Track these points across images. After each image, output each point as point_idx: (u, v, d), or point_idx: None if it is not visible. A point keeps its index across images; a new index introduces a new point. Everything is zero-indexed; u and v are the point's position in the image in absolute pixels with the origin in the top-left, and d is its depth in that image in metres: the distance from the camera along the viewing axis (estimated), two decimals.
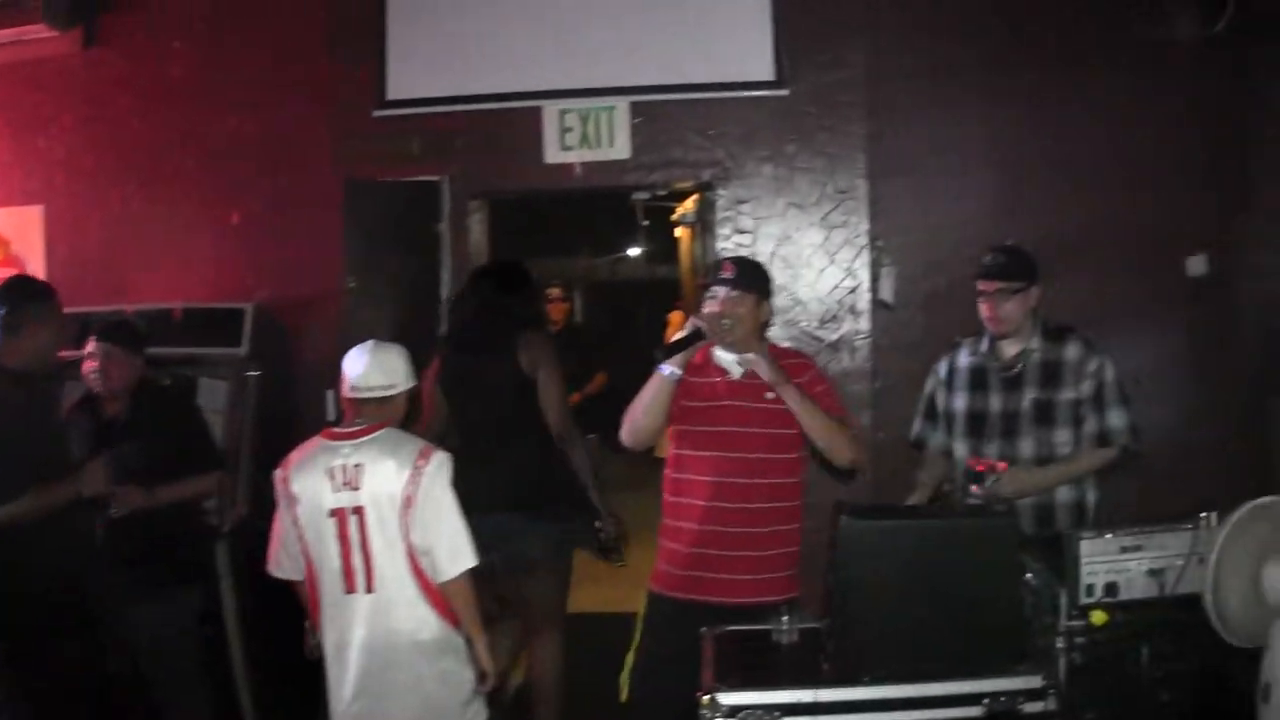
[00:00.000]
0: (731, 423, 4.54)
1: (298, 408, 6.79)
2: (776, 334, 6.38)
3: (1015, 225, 6.23)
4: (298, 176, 6.88)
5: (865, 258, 6.49)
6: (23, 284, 5.19)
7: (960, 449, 4.87)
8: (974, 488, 4.37)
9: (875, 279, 6.48)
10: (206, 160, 7.06)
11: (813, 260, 6.50)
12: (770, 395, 4.49)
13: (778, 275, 6.36)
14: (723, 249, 6.52)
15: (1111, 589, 3.49)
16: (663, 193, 7.09)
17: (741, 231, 6.54)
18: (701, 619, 4.17)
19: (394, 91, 6.68)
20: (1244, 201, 6.47)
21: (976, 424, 4.85)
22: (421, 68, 6.65)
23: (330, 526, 4.20)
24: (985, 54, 6.49)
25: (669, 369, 4.43)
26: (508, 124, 6.63)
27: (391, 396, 4.34)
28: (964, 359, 4.95)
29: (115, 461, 5.08)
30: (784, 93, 6.46)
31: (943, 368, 5.03)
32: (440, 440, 5.46)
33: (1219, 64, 6.41)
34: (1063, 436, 4.70)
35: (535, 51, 6.57)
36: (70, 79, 7.30)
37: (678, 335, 4.52)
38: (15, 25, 7.11)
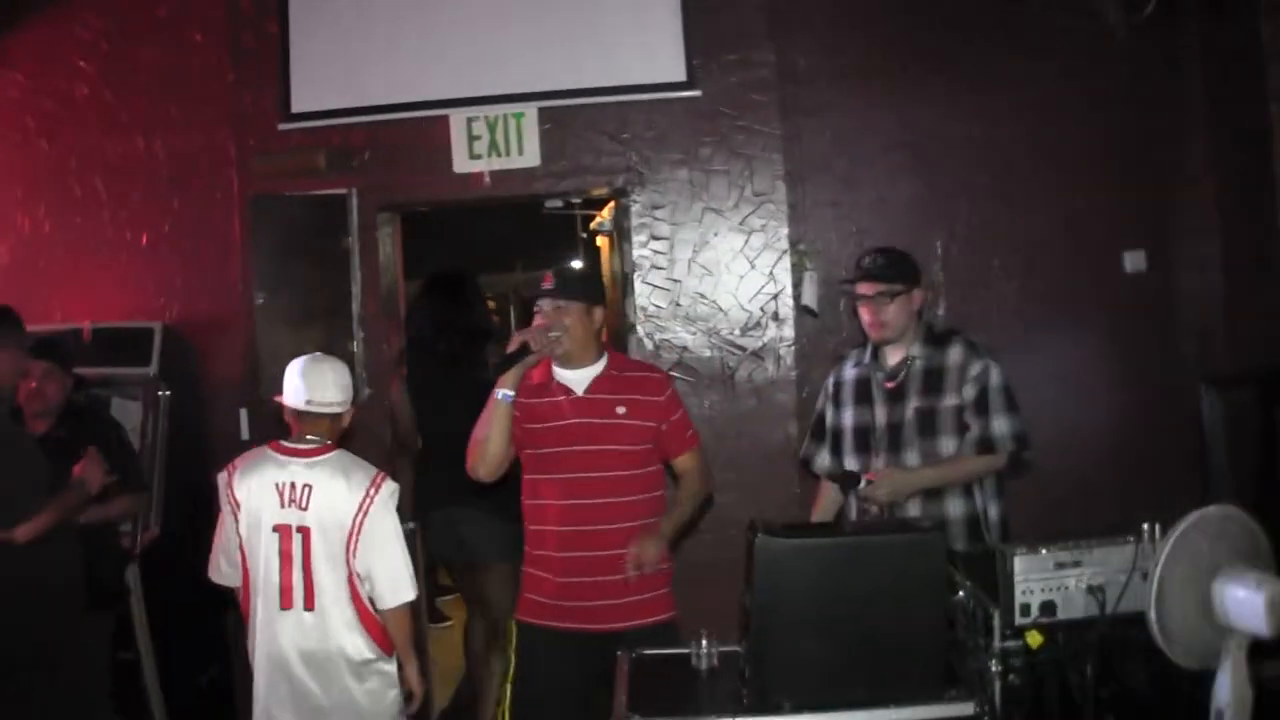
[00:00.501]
0: (580, 441, 4.36)
1: (209, 427, 6.70)
2: (698, 342, 6.26)
3: (939, 225, 6.31)
4: (205, 194, 6.76)
5: (786, 262, 6.31)
6: None
7: (850, 465, 4.63)
8: (848, 494, 4.36)
9: (798, 284, 6.29)
10: (113, 180, 6.93)
11: (732, 266, 6.33)
12: (621, 410, 4.37)
13: (697, 282, 6.32)
14: (639, 257, 6.36)
15: (1048, 608, 3.24)
16: (576, 201, 6.96)
17: (657, 238, 6.37)
18: (575, 648, 4.19)
19: (298, 104, 6.51)
20: (1179, 192, 6.37)
21: (863, 438, 4.63)
22: (325, 79, 6.48)
23: (272, 541, 4.16)
24: (902, 47, 6.36)
25: (501, 392, 4.24)
26: (414, 134, 6.47)
27: (342, 414, 4.30)
28: (849, 371, 4.76)
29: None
30: (696, 93, 6.30)
31: (830, 382, 4.85)
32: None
33: (1149, 52, 6.31)
34: (948, 446, 4.46)
35: (440, 59, 6.40)
36: None
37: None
38: None
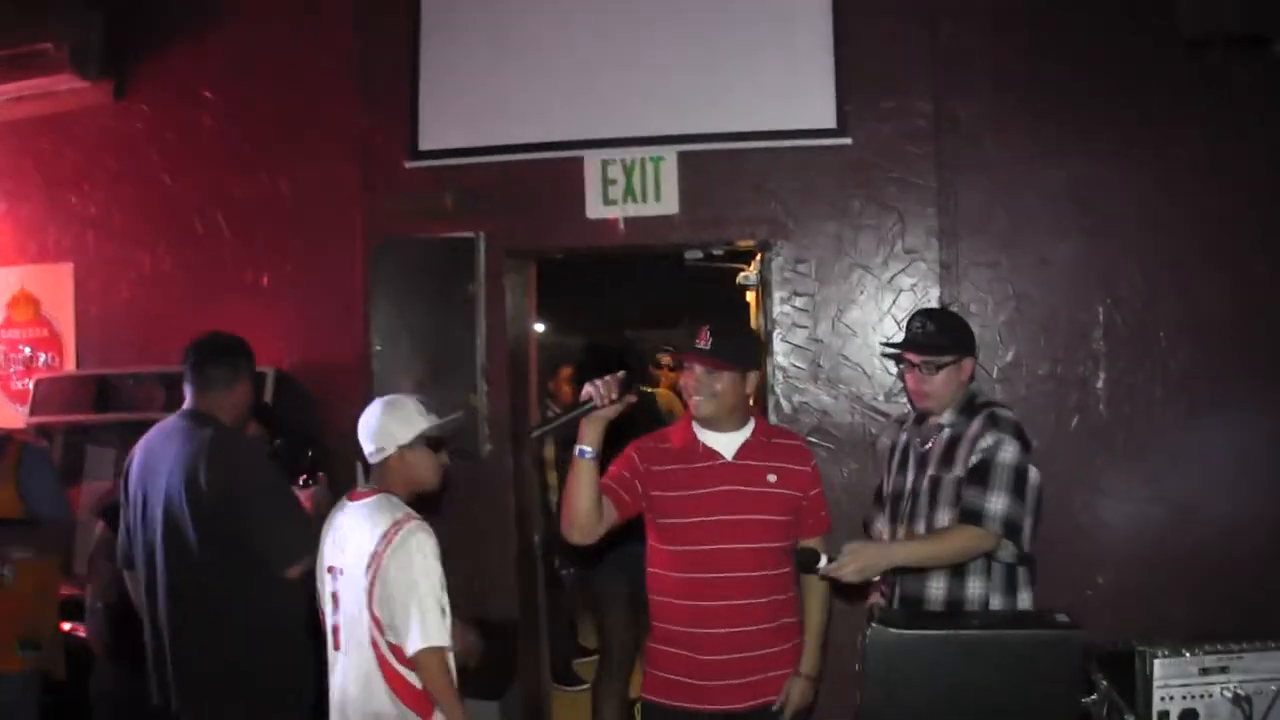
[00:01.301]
0: (727, 510, 4.15)
1: (327, 477, 6.32)
2: (839, 406, 5.90)
3: (1102, 289, 5.85)
4: (329, 234, 6.55)
5: None
6: (232, 340, 4.97)
7: (889, 531, 4.45)
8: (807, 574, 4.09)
9: None
10: (236, 218, 6.77)
11: (880, 326, 5.94)
12: (772, 478, 4.21)
13: (841, 343, 5.96)
14: (780, 314, 6.00)
15: (1189, 717, 2.98)
16: (717, 252, 6.59)
17: (800, 294, 6.00)
18: None
19: (426, 142, 6.28)
20: None
21: (894, 505, 4.45)
22: (456, 117, 6.23)
23: (327, 581, 4.15)
24: (1073, 95, 5.89)
25: (580, 449, 3.97)
26: (547, 176, 6.17)
27: (384, 460, 4.11)
28: (902, 436, 4.58)
29: None
30: (846, 141, 5.92)
31: (883, 445, 4.79)
32: None
33: None
34: (944, 518, 4.16)
35: (577, 97, 6.12)
36: (101, 133, 7.07)
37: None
38: (44, 74, 6.84)
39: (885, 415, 5.83)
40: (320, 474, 5.11)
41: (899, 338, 4.83)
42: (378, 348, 6.15)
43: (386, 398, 4.18)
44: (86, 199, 7.06)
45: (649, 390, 7.15)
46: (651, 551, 4.29)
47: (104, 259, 7.02)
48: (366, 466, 4.22)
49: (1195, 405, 5.75)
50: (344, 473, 6.10)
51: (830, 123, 5.92)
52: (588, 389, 3.91)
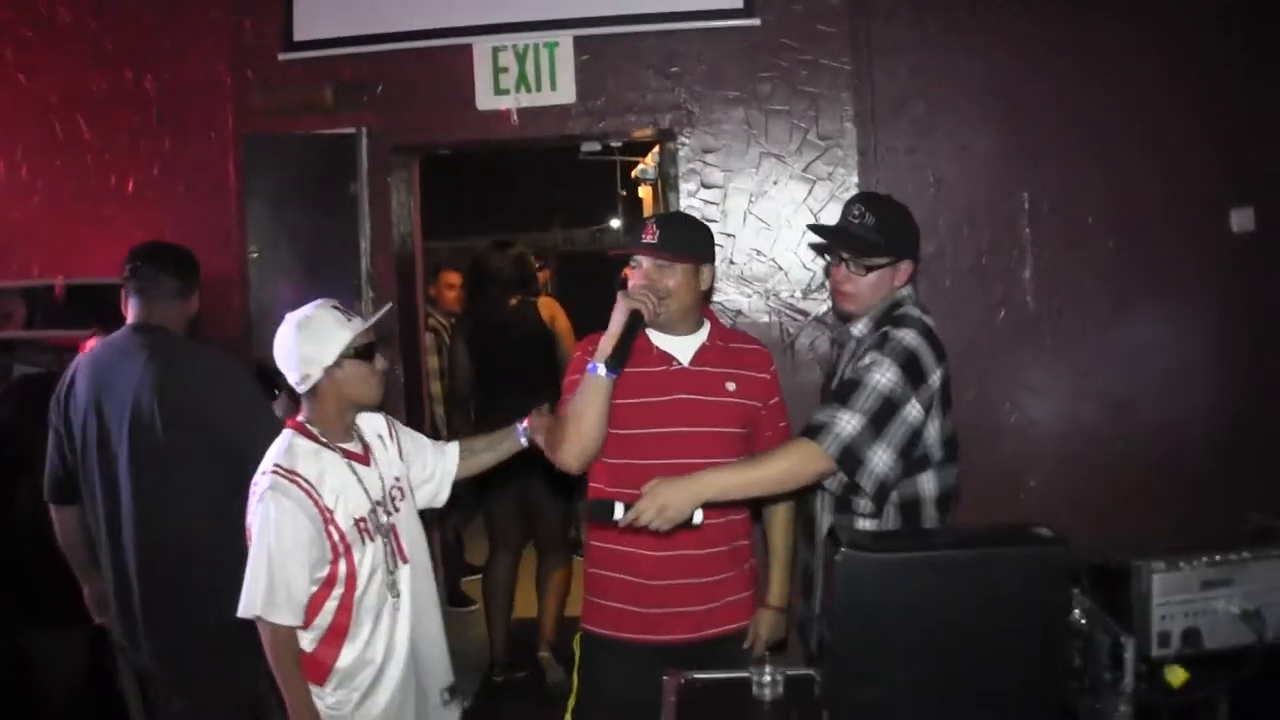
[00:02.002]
0: (685, 422, 3.79)
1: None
2: (754, 305, 5.61)
3: (1028, 178, 5.60)
4: (198, 134, 6.03)
5: None
6: (180, 250, 4.73)
7: None
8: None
9: None
10: (97, 119, 6.20)
11: (794, 219, 5.62)
12: (731, 386, 3.84)
13: (753, 237, 5.63)
14: (687, 208, 5.62)
15: (1192, 637, 2.72)
16: (616, 144, 6.21)
17: (709, 186, 5.65)
18: (650, 660, 3.68)
19: (302, 32, 5.80)
20: None
21: None
22: (333, 4, 5.76)
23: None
24: None
25: (602, 368, 3.60)
26: (433, 66, 5.74)
27: (313, 387, 3.62)
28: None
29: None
30: (755, 22, 5.57)
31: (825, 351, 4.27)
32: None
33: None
34: None
35: None
36: None
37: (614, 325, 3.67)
38: None
39: (803, 314, 5.54)
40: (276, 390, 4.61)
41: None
42: (254, 254, 5.73)
43: (295, 315, 3.62)
44: None
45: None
46: (601, 469, 3.88)
47: None
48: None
49: (1127, 296, 5.55)
50: None
51: (737, 2, 5.56)
52: (631, 303, 3.62)
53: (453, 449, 4.01)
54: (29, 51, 6.29)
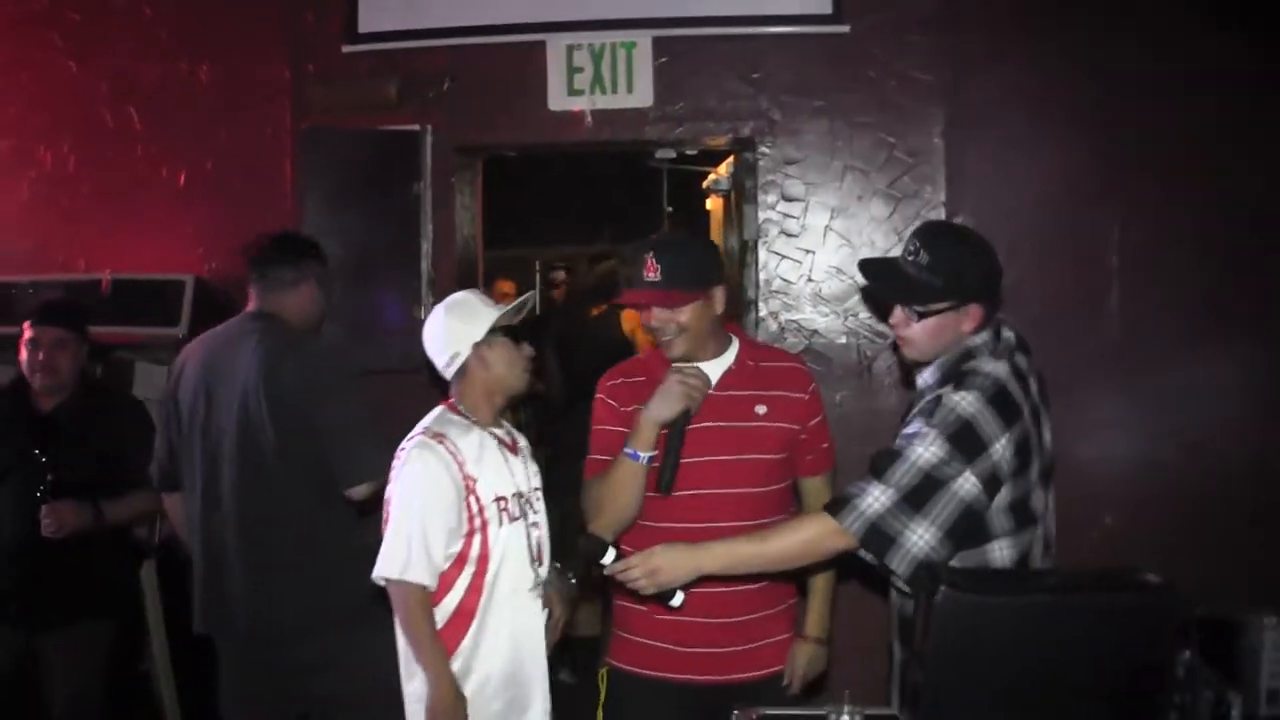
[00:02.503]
0: (713, 451, 3.52)
1: None
2: (832, 325, 5.38)
3: (1113, 204, 5.36)
4: (254, 128, 5.85)
5: None
6: (299, 239, 4.70)
7: None
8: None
9: None
10: (150, 110, 6.02)
11: (875, 238, 5.40)
12: (761, 410, 3.56)
13: (832, 254, 5.41)
14: (765, 221, 5.40)
15: None
16: (692, 152, 6.01)
17: (789, 199, 5.42)
18: (682, 702, 3.57)
19: (367, 24, 5.63)
20: None
21: None
22: None
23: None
24: None
25: (636, 451, 3.41)
26: (504, 63, 5.55)
27: (462, 367, 3.58)
28: None
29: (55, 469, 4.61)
30: (843, 29, 5.35)
31: None
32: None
33: None
34: None
35: None
36: None
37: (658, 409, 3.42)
38: None
39: (882, 336, 5.29)
40: None
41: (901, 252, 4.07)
42: None
43: (446, 300, 3.63)
44: None
45: None
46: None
47: None
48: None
49: (1217, 329, 5.31)
50: None
51: (826, 8, 5.35)
52: (683, 387, 3.36)
53: None
54: (79, 38, 6.12)
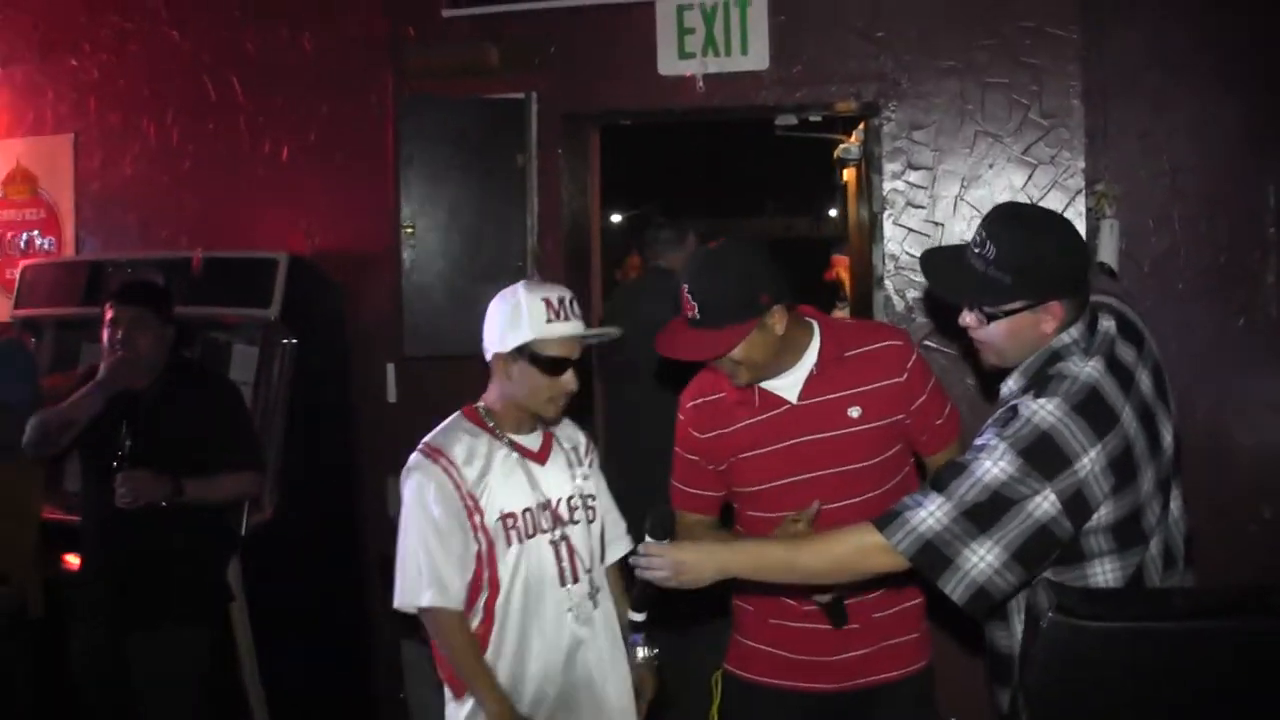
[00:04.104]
0: (806, 467, 3.25)
1: (352, 384, 5.71)
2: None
3: (1271, 169, 4.94)
4: (356, 97, 5.70)
5: (1080, 206, 4.98)
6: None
7: None
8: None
9: (1093, 234, 4.95)
10: (252, 80, 5.92)
11: None
12: (855, 412, 3.22)
13: (964, 227, 5.05)
14: (891, 192, 5.09)
15: None
16: (815, 118, 5.70)
17: (916, 167, 5.09)
18: (798, 710, 3.38)
19: None
20: None
21: None
22: None
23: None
24: None
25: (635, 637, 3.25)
26: (612, 25, 5.33)
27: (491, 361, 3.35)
28: None
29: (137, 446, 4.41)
30: None
31: None
32: None
33: None
34: None
35: None
36: None
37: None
38: None
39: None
40: None
41: None
42: (409, 229, 5.26)
43: (511, 288, 3.27)
44: (88, 61, 6.23)
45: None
46: (740, 517, 3.49)
47: (106, 130, 6.21)
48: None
49: None
50: (373, 373, 5.61)
51: None
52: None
53: (618, 547, 3.53)
54: (181, 6, 6.03)
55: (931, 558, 2.61)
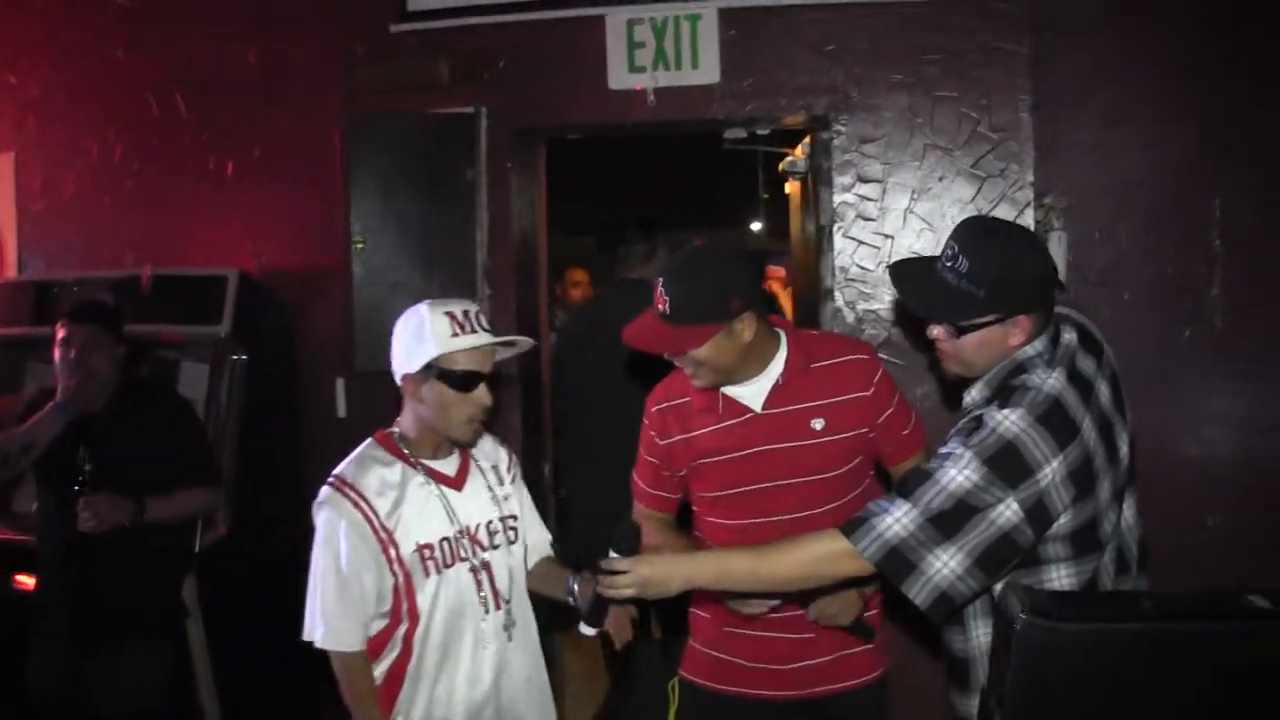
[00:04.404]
0: (767, 476, 3.27)
1: (302, 399, 5.68)
2: (913, 316, 4.91)
3: (1216, 183, 4.86)
4: (302, 113, 5.65)
5: (1029, 218, 5.02)
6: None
7: None
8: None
9: None
10: (196, 96, 5.86)
11: (958, 221, 4.89)
12: (819, 424, 3.22)
13: (913, 239, 5.10)
14: (841, 204, 5.09)
15: None
16: (762, 131, 5.68)
17: (866, 180, 5.10)
18: (764, 718, 3.41)
19: (417, 0, 5.39)
20: None
21: None
22: None
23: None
24: None
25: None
26: (562, 40, 5.29)
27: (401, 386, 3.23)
28: None
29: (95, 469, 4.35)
30: None
31: None
32: None
33: None
34: None
35: None
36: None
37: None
38: None
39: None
40: None
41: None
42: (359, 244, 5.23)
43: (413, 309, 3.15)
44: (27, 78, 6.17)
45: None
46: (698, 519, 3.49)
47: (47, 148, 6.14)
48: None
49: None
50: (322, 388, 5.58)
51: None
52: (610, 593, 2.89)
53: (544, 542, 3.55)
54: (124, 21, 5.97)
55: (896, 563, 2.62)
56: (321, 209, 5.52)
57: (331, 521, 3.07)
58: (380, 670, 3.16)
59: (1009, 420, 2.62)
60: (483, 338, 3.09)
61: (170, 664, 4.63)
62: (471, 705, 3.20)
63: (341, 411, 5.49)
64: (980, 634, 2.86)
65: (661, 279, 3.08)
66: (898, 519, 2.62)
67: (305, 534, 5.34)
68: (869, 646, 3.40)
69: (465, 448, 3.29)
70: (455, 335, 3.05)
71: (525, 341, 3.31)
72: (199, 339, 5.26)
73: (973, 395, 2.86)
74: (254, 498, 5.18)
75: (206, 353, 5.27)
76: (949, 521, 2.60)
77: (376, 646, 3.14)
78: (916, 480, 2.66)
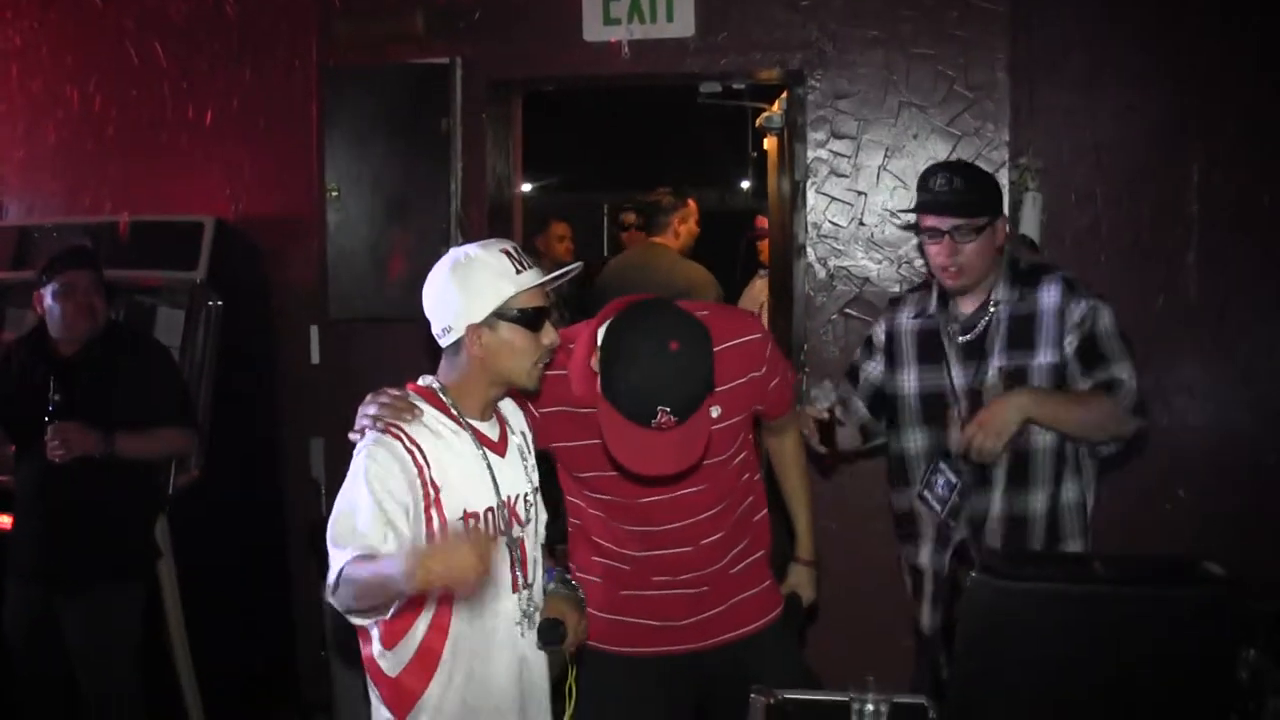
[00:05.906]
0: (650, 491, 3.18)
1: (275, 347, 5.69)
2: (884, 272, 5.11)
3: (1192, 149, 5.01)
4: (282, 64, 5.64)
5: (1004, 179, 4.95)
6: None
7: (917, 441, 3.61)
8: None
9: (1016, 207, 4.94)
10: (175, 46, 5.82)
11: None
12: (715, 412, 3.05)
13: (887, 197, 5.10)
14: (815, 160, 5.09)
15: None
16: (739, 86, 5.74)
17: (840, 136, 5.09)
18: (661, 674, 3.35)
19: None
20: None
21: (933, 407, 3.57)
22: None
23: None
24: None
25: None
26: None
27: (456, 344, 2.81)
28: (908, 322, 3.67)
29: (70, 406, 4.40)
30: None
31: (879, 332, 3.76)
32: None
33: None
34: None
35: None
36: None
37: None
38: None
39: None
40: None
41: None
42: (334, 193, 5.29)
43: (455, 253, 2.82)
44: (9, 28, 6.14)
45: None
46: (573, 509, 3.39)
47: (29, 97, 6.12)
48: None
49: None
50: (297, 336, 5.58)
51: None
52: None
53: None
54: None
55: (1141, 412, 3.41)
56: (298, 158, 5.54)
57: (383, 460, 2.65)
58: (407, 651, 2.77)
59: (1071, 275, 3.51)
60: (539, 274, 2.80)
61: (141, 604, 4.65)
62: (503, 692, 2.87)
63: (315, 358, 5.50)
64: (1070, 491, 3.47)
65: (663, 405, 2.78)
66: (1122, 369, 3.36)
67: (278, 478, 5.44)
68: (765, 585, 3.40)
69: (532, 395, 3.00)
70: (519, 272, 2.75)
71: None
72: (175, 285, 5.27)
73: (999, 294, 3.46)
74: (227, 442, 5.20)
75: (182, 299, 5.28)
76: (1131, 353, 3.42)
77: (401, 624, 2.76)
78: (1092, 346, 3.38)
